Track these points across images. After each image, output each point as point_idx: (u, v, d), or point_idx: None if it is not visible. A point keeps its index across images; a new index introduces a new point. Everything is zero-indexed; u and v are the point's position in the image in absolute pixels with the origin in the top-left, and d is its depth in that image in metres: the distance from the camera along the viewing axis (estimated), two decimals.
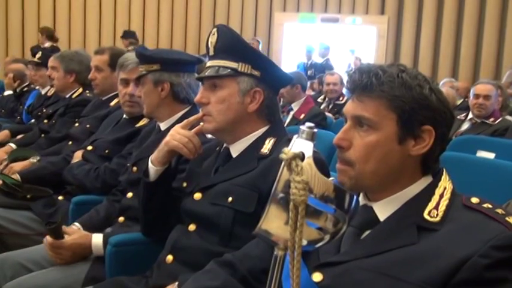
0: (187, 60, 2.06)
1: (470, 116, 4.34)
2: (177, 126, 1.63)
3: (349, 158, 1.08)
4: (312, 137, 0.95)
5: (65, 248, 1.83)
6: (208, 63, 1.57)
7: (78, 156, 2.57)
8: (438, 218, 1.04)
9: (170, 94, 2.00)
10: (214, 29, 1.56)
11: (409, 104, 1.06)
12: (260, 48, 8.85)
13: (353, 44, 9.62)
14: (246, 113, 1.55)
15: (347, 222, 0.94)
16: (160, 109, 2.02)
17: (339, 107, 5.51)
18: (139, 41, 8.62)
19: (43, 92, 4.26)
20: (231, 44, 1.53)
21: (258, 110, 1.56)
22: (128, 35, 8.59)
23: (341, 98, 5.72)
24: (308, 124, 0.96)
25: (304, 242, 0.89)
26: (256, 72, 1.54)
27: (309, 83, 6.03)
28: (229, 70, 1.52)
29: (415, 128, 1.07)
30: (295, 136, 0.96)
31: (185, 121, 1.64)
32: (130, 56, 2.39)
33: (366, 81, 1.07)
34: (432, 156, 1.10)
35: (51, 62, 3.49)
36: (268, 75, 1.56)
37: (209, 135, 1.72)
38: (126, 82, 2.39)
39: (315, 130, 0.96)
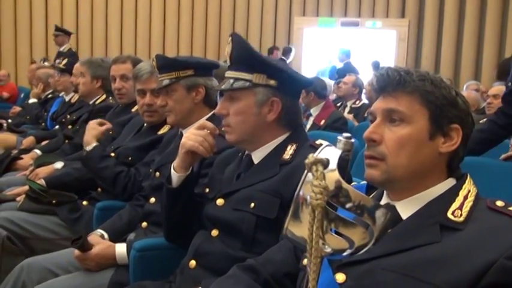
0: (218, 65, 2.10)
1: None
2: (192, 128, 1.65)
3: (381, 151, 1.09)
4: (349, 147, 0.98)
5: (90, 259, 1.87)
6: (227, 74, 1.58)
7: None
8: (462, 218, 1.04)
9: (202, 98, 2.02)
10: (230, 38, 1.56)
11: (440, 100, 1.09)
12: (292, 54, 8.74)
13: (373, 48, 9.56)
14: (265, 123, 1.55)
15: (375, 238, 0.94)
16: (191, 114, 2.02)
17: (356, 110, 5.50)
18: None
19: (67, 99, 4.34)
20: (244, 55, 1.53)
21: (277, 119, 1.56)
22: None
23: (357, 102, 5.69)
24: (345, 134, 0.99)
25: (328, 249, 0.90)
26: (272, 82, 1.53)
27: (335, 86, 5.98)
28: (245, 83, 1.52)
29: (444, 125, 1.10)
30: (330, 146, 0.99)
31: (200, 124, 1.66)
32: (144, 66, 2.40)
33: (398, 78, 1.10)
34: (457, 158, 1.12)
35: (78, 68, 3.52)
36: (285, 83, 1.55)
37: None
38: (143, 92, 2.39)
39: (353, 140, 0.99)
